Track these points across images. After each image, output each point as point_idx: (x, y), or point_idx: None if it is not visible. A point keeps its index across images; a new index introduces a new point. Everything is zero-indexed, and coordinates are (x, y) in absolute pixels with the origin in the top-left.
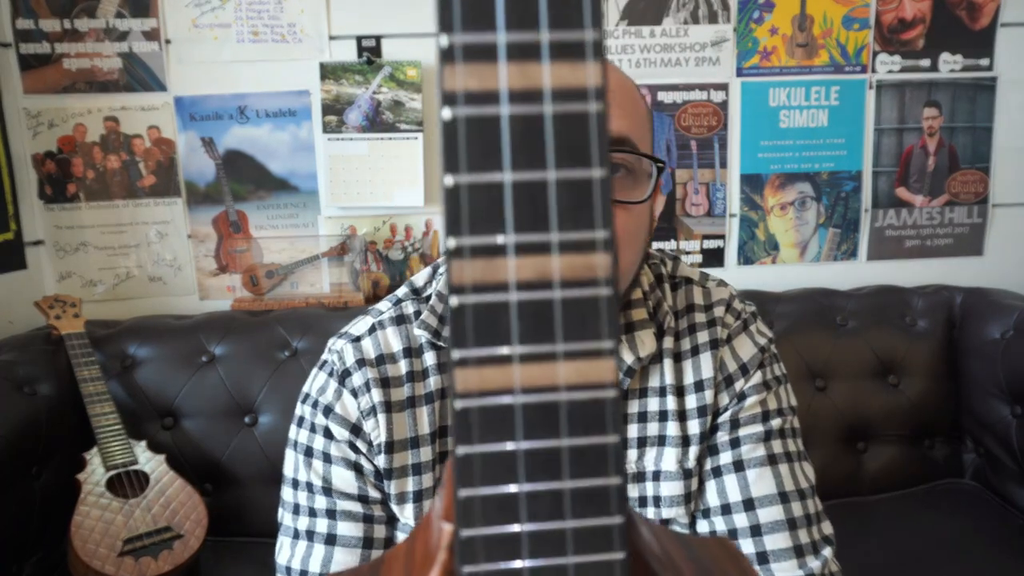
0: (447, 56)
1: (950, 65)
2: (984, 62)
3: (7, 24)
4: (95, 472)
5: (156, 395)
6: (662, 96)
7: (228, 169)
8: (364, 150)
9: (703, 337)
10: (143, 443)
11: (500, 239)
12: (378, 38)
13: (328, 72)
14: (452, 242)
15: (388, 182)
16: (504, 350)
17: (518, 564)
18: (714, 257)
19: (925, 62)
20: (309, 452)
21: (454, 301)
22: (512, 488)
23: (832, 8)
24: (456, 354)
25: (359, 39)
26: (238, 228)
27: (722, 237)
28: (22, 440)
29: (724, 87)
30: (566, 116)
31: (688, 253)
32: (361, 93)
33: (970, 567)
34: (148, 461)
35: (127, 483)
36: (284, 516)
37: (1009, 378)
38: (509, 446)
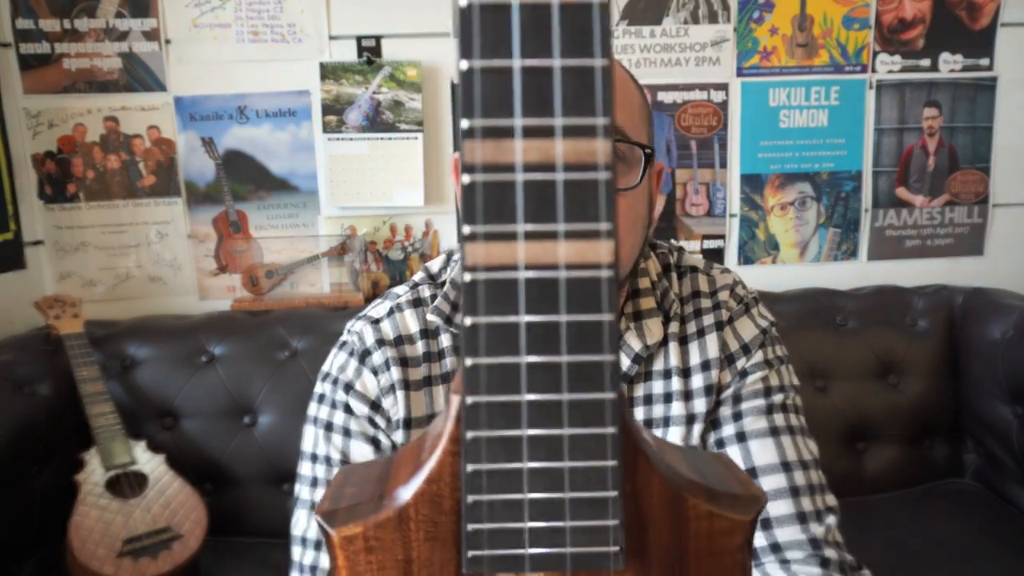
0: None
1: (950, 65)
2: (984, 62)
3: (7, 24)
4: (94, 472)
5: (156, 395)
6: (662, 96)
7: (228, 169)
8: (364, 150)
9: (708, 320)
10: (142, 443)
11: (508, 122)
12: (378, 38)
13: (328, 72)
14: (465, 123)
15: (388, 182)
16: (510, 227)
17: (518, 432)
18: (714, 257)
19: (925, 62)
20: (329, 427)
21: (465, 179)
22: (514, 359)
23: (832, 8)
24: (466, 229)
25: (359, 39)
26: (238, 228)
27: (722, 237)
28: (21, 440)
29: (724, 87)
30: (572, 5)
31: (688, 253)
32: (361, 93)
33: (971, 567)
34: (147, 461)
35: (126, 483)
36: (301, 490)
37: (1010, 378)
38: (512, 319)
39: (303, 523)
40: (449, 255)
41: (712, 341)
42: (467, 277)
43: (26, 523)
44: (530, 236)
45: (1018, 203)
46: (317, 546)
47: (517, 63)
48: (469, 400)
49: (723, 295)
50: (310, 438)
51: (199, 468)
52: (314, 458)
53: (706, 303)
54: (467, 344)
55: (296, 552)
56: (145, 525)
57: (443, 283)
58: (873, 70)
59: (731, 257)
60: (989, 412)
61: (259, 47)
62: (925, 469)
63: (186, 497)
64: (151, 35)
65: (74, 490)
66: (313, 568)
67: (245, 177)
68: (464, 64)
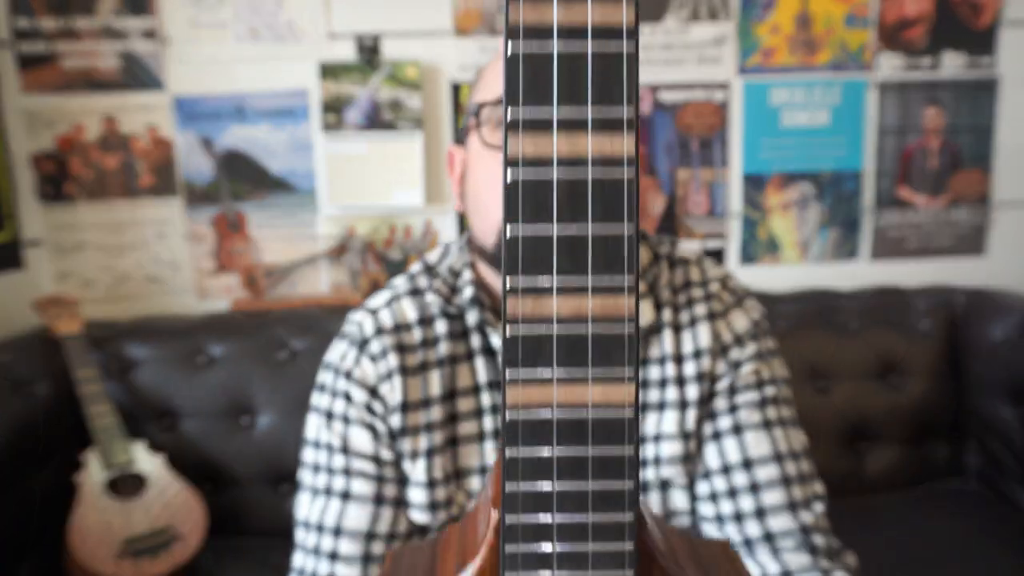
0: (511, 127)
1: (952, 64)
2: (986, 61)
3: (4, 23)
4: (94, 473)
5: (155, 396)
6: (663, 95)
7: (226, 169)
8: (363, 149)
9: (700, 309)
10: (142, 444)
11: (546, 281)
12: (377, 37)
13: (327, 71)
14: (508, 282)
15: (387, 182)
16: (546, 373)
17: (548, 548)
18: (715, 257)
19: (927, 61)
20: (330, 415)
21: (508, 331)
22: (547, 486)
23: (833, 6)
24: (508, 374)
25: (358, 38)
26: (236, 228)
27: (723, 236)
28: (20, 441)
29: (725, 86)
30: (604, 181)
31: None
32: (360, 92)
33: (972, 567)
34: (147, 462)
35: (126, 484)
36: (304, 476)
37: (1011, 378)
38: (546, 452)
39: (305, 507)
40: (446, 247)
41: (704, 330)
42: (509, 416)
43: (25, 523)
44: (562, 381)
45: (1020, 203)
46: (319, 529)
47: (555, 230)
48: (507, 520)
49: (714, 287)
50: (312, 426)
51: (198, 468)
52: (316, 445)
53: (698, 292)
54: (507, 471)
55: (299, 535)
56: (145, 525)
57: (439, 273)
58: (875, 69)
59: (732, 257)
60: (990, 412)
61: (258, 46)
62: (926, 469)
63: (186, 497)
64: (150, 34)
65: (73, 491)
66: (316, 550)
67: (244, 177)
68: (509, 231)
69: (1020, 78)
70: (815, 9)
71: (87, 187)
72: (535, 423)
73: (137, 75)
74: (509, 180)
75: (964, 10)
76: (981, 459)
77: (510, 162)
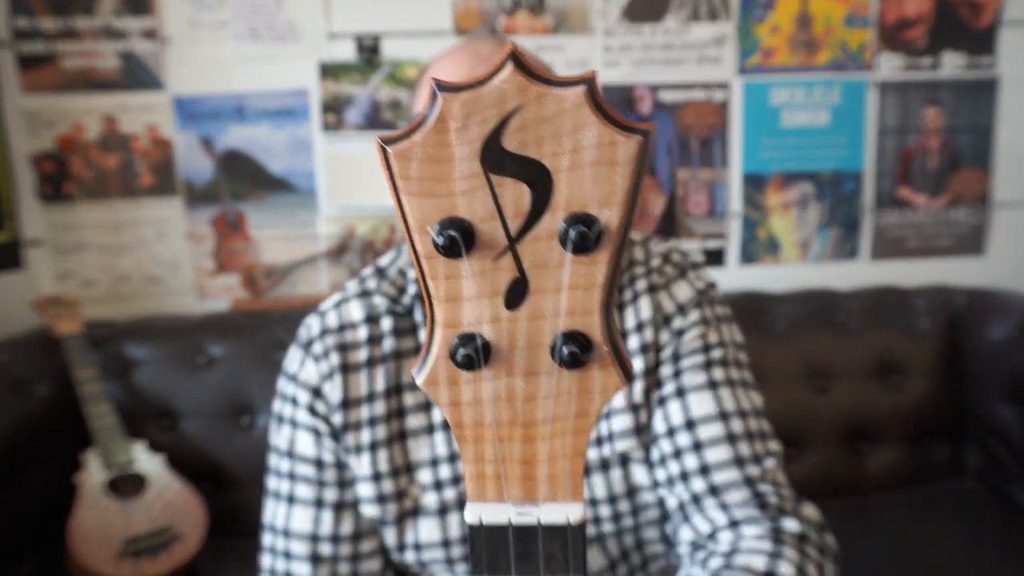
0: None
1: (952, 64)
2: (986, 61)
3: (4, 23)
4: (94, 473)
5: (155, 396)
6: (663, 95)
7: (226, 168)
8: (363, 149)
9: (641, 285)
10: (142, 444)
11: None
12: (377, 37)
13: (327, 71)
14: None
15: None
16: None
17: None
18: (715, 257)
19: (927, 61)
20: (281, 419)
21: None
22: None
23: (834, 7)
24: None
25: (358, 38)
26: (236, 228)
27: (723, 236)
28: (19, 441)
29: (725, 86)
30: None
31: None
32: (360, 92)
33: (972, 568)
34: (147, 462)
35: (126, 484)
36: (266, 478)
37: (1011, 378)
38: None
39: (265, 509)
40: (399, 248)
41: (645, 303)
42: None
43: (25, 524)
44: None
45: (1020, 202)
46: (273, 530)
47: None
48: None
49: (655, 261)
50: (272, 430)
51: (198, 468)
52: (271, 448)
53: (640, 270)
54: None
55: (262, 534)
56: (145, 526)
57: (389, 274)
58: (875, 69)
59: (732, 257)
60: (990, 412)
61: (258, 46)
62: (926, 470)
63: (186, 497)
64: (150, 34)
65: (73, 491)
66: (273, 549)
67: (243, 176)
68: None
69: (1020, 78)
70: (815, 9)
71: (87, 187)
72: None
73: (137, 75)
74: None
75: (964, 10)
76: (981, 459)
77: None
